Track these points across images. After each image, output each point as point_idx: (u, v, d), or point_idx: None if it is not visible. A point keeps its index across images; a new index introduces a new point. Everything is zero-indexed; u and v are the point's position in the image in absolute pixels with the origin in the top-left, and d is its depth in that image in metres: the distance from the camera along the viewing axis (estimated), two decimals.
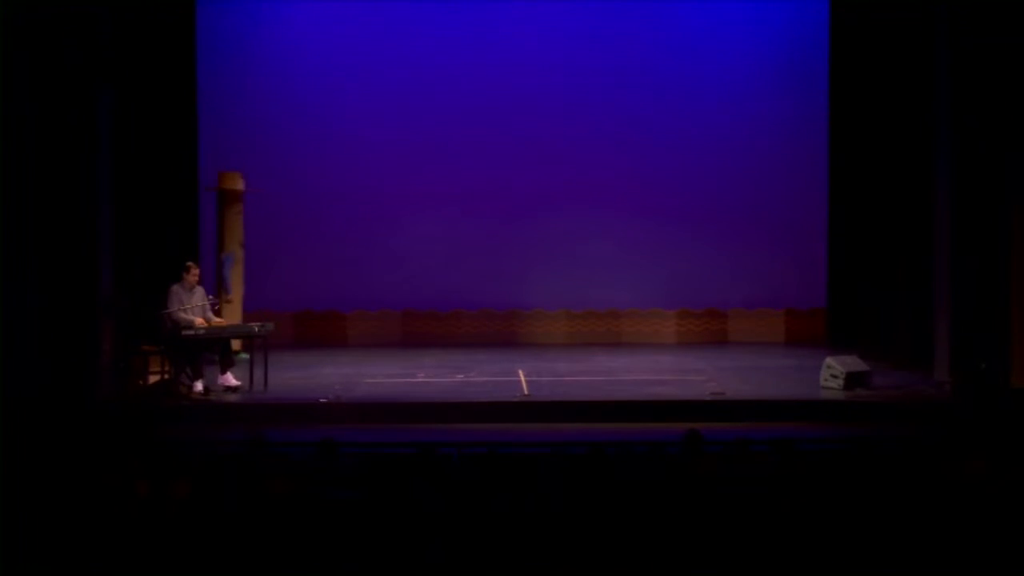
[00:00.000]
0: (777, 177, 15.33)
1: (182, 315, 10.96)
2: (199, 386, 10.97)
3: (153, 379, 11.15)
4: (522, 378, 11.91)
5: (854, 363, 11.24)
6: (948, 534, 5.55)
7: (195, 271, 11.27)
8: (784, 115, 15.22)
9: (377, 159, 15.35)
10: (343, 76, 15.26)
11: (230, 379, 11.22)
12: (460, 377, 12.20)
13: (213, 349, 11.25)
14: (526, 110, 15.19)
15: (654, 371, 12.66)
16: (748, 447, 6.80)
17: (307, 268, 15.34)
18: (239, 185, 13.35)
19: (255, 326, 11.38)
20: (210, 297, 11.35)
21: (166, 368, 11.05)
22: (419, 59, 15.21)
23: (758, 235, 15.41)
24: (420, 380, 12.09)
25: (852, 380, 11.00)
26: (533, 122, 15.14)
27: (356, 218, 15.37)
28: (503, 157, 14.61)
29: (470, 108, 15.19)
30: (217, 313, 11.45)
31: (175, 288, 11.11)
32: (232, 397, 11.01)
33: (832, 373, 11.09)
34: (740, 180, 15.34)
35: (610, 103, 15.26)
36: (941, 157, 11.39)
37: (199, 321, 10.98)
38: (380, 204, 15.37)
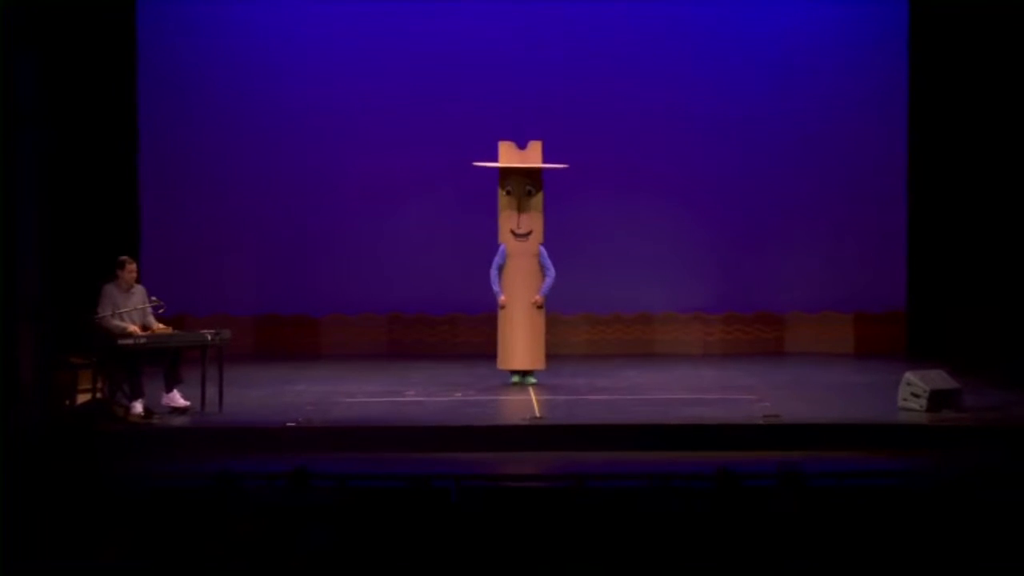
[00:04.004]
0: (844, 162, 15.42)
1: (115, 321, 11.02)
2: (138, 407, 11.02)
3: (83, 398, 11.21)
4: (533, 396, 11.97)
5: (940, 379, 11.27)
6: None
7: (131, 267, 11.32)
8: (854, 95, 15.36)
9: (358, 138, 15.44)
10: (316, 52, 15.49)
11: (176, 398, 11.29)
12: (458, 395, 12.27)
13: (156, 362, 11.31)
14: (541, 90, 15.31)
15: (694, 388, 12.71)
16: (807, 481, 6.86)
17: (271, 264, 15.41)
18: (536, 161, 12.87)
19: (207, 334, 11.43)
20: (153, 299, 11.38)
21: (99, 385, 11.12)
22: (416, 33, 15.43)
23: (822, 226, 15.49)
24: (409, 399, 12.15)
25: (938, 400, 11.03)
26: (547, 102, 15.20)
27: (332, 206, 15.46)
28: (510, 137, 14.65)
29: (473, 87, 15.37)
30: (160, 318, 11.50)
31: (108, 288, 11.17)
32: (179, 420, 11.08)
33: (913, 391, 11.13)
34: (797, 163, 15.45)
35: (647, 84, 15.44)
36: None
37: (132, 328, 11.02)
38: (361, 189, 15.45)
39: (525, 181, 12.78)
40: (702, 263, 15.54)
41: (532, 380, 12.79)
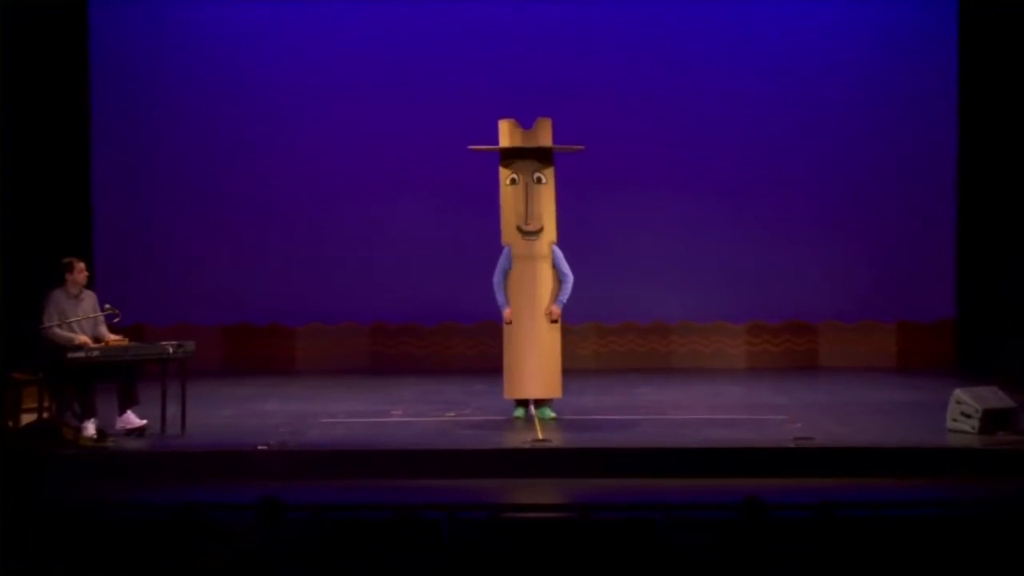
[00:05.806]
0: (889, 155, 15.55)
1: (63, 332, 10.99)
2: (90, 428, 11.01)
3: (28, 419, 11.21)
4: (535, 416, 11.98)
5: (994, 397, 11.27)
6: None
7: (80, 267, 11.29)
8: (896, 87, 15.51)
9: (338, 127, 15.49)
10: (286, 44, 15.63)
11: (132, 419, 11.27)
12: (451, 415, 12.27)
13: (111, 378, 11.29)
14: (545, 76, 15.40)
15: (716, 407, 12.72)
16: (838, 511, 6.86)
17: (241, 269, 15.43)
18: (546, 141, 11.96)
19: (168, 346, 11.41)
20: (106, 306, 11.37)
21: (46, 404, 11.11)
22: (398, 22, 15.60)
23: (860, 226, 15.54)
24: (396, 419, 12.16)
25: (991, 420, 11.03)
26: (551, 90, 15.20)
27: (308, 204, 15.50)
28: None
29: (466, 77, 15.52)
30: (114, 328, 11.49)
31: (55, 295, 11.15)
32: (135, 443, 11.06)
33: (963, 411, 11.12)
34: (831, 155, 15.59)
35: (663, 71, 15.61)
36: None
37: (81, 339, 11.00)
38: (341, 185, 15.49)
39: (533, 166, 11.84)
40: (724, 266, 15.56)
41: (550, 413, 11.86)
